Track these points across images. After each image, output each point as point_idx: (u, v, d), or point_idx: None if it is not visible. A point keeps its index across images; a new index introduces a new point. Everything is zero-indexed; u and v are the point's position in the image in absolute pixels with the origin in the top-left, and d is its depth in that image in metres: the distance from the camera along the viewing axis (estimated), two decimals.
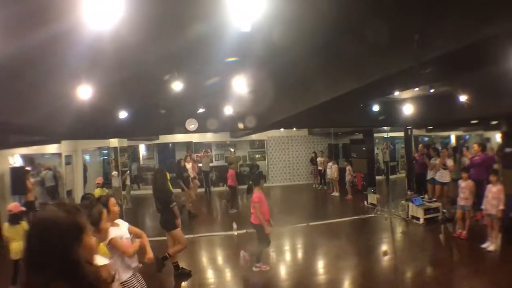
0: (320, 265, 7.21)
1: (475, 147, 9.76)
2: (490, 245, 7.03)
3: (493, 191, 7.03)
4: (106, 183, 14.49)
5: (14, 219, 6.05)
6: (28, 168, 11.11)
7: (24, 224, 6.11)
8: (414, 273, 6.62)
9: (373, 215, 10.65)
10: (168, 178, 6.84)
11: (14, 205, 6.26)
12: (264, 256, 6.94)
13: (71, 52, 3.66)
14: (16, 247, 5.97)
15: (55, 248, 1.45)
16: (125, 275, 3.66)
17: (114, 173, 13.00)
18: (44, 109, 5.90)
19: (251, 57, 4.84)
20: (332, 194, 14.65)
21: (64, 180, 13.48)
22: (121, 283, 3.58)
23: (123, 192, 12.25)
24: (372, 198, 11.95)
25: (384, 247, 7.86)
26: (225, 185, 14.44)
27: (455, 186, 8.77)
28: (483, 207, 7.33)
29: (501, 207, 6.91)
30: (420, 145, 12.90)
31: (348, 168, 14.25)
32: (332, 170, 14.53)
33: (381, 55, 3.94)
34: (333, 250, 7.93)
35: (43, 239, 1.47)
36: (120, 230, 3.82)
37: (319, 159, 16.48)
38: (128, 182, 13.88)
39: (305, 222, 9.83)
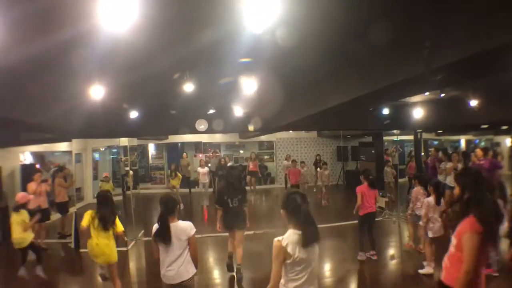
0: (327, 268, 7.20)
1: (479, 152, 9.70)
2: None
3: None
4: (115, 181, 14.59)
5: (17, 207, 6.46)
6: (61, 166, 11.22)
7: (24, 213, 6.41)
8: (421, 277, 6.60)
9: (381, 218, 10.60)
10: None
11: (21, 196, 6.71)
12: None
13: (85, 54, 3.72)
14: (16, 234, 6.28)
15: None
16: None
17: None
18: (57, 108, 5.99)
19: (262, 59, 4.87)
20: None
21: (74, 177, 13.62)
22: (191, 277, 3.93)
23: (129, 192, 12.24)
24: (380, 201, 11.86)
25: (392, 251, 7.83)
26: None
27: None
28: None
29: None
30: (433, 149, 12.84)
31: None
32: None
33: (392, 61, 3.95)
34: (339, 253, 7.94)
35: None
36: None
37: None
38: (131, 182, 13.84)
39: None
